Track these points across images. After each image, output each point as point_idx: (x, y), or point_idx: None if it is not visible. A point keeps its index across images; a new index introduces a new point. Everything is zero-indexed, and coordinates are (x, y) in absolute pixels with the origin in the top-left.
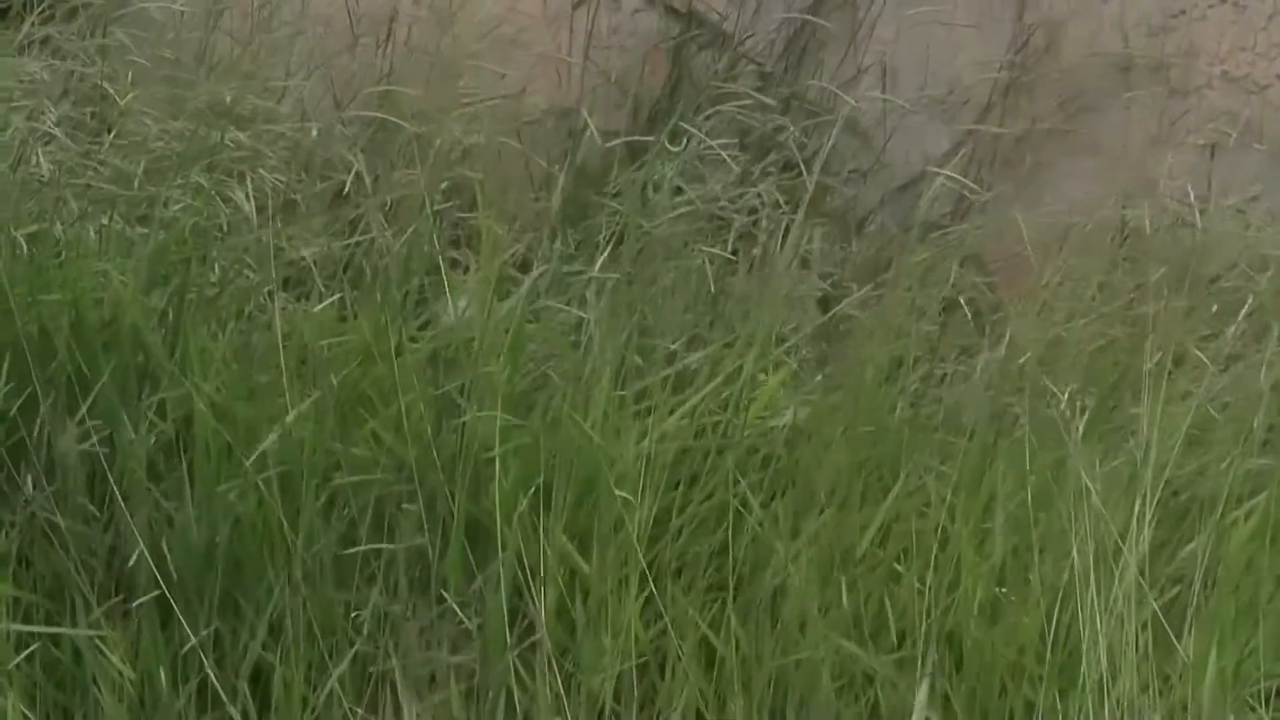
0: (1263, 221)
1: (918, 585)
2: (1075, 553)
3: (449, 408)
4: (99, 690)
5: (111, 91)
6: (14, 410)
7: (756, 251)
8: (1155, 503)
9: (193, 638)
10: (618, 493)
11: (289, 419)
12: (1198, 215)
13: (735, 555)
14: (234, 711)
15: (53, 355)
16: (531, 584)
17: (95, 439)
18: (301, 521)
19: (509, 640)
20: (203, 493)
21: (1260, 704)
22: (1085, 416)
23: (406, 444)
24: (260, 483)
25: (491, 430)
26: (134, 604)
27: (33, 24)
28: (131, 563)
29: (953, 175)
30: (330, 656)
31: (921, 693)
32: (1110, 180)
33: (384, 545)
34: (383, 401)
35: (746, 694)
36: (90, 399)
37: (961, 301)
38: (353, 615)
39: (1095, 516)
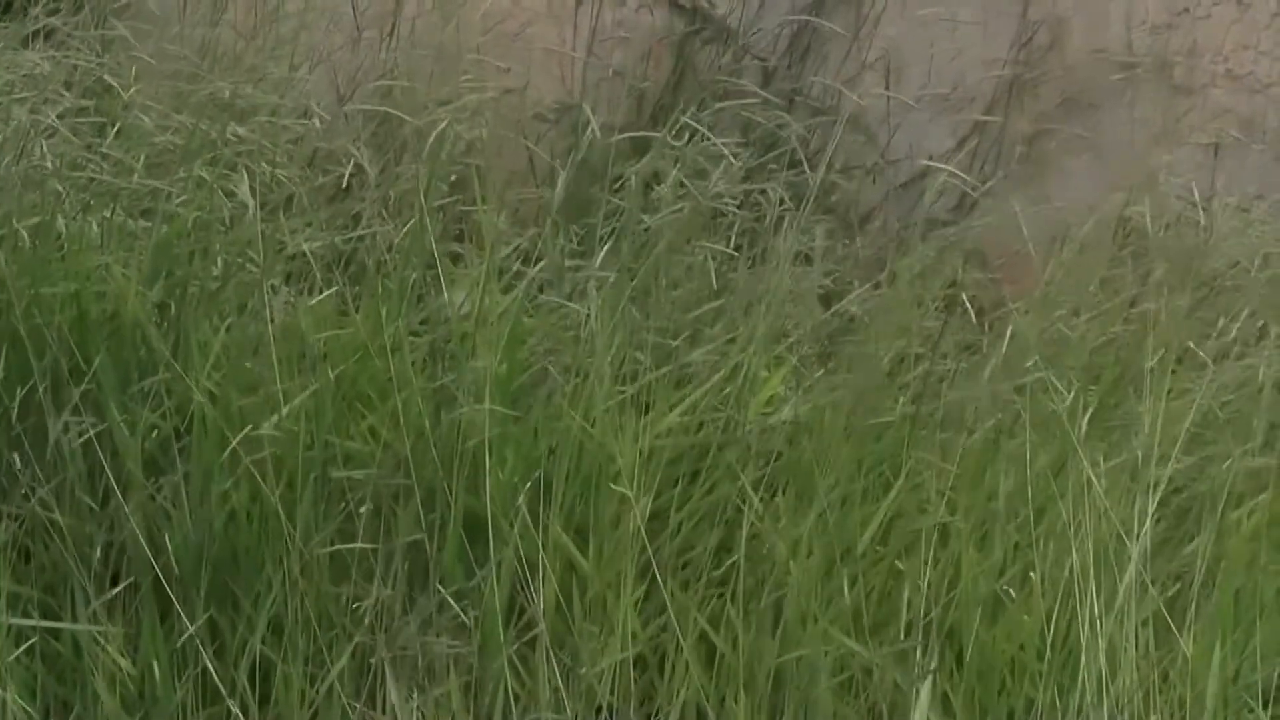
0: (1265, 219)
1: (918, 582)
2: (1076, 550)
3: (447, 402)
4: (98, 683)
5: (115, 84)
6: (13, 403)
7: (759, 248)
8: (1156, 500)
9: (190, 629)
10: (616, 488)
11: (284, 411)
12: (1200, 213)
13: (735, 551)
14: (233, 705)
15: (53, 348)
16: (530, 579)
17: (94, 432)
18: (299, 515)
19: (505, 635)
20: (201, 486)
21: (1259, 703)
22: (1088, 414)
23: (404, 438)
24: (257, 475)
25: (489, 424)
26: (132, 597)
27: (36, 16)
28: (129, 556)
29: (955, 172)
30: (329, 651)
31: (923, 691)
32: (1113, 178)
33: (381, 540)
34: (380, 395)
35: (746, 691)
36: (90, 392)
37: (964, 298)
38: (352, 609)
39: (1097, 514)
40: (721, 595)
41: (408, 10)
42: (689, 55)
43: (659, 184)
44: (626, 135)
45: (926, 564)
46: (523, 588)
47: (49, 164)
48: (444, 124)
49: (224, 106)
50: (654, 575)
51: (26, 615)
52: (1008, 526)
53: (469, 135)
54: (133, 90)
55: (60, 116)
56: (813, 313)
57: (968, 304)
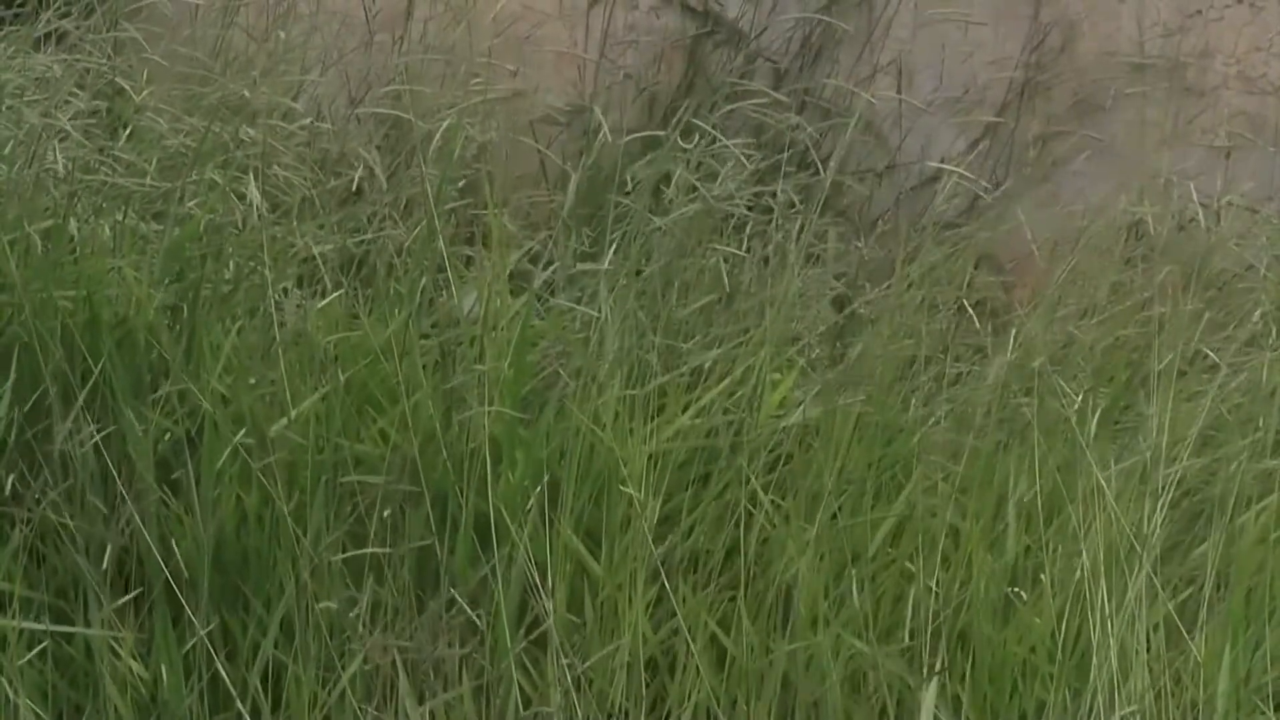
0: (1276, 221)
1: (929, 584)
2: (1086, 553)
3: (458, 405)
4: (110, 687)
5: (127, 87)
6: (26, 407)
7: (770, 250)
8: (1167, 503)
9: (201, 632)
10: (626, 490)
11: (294, 414)
12: (1211, 215)
13: (746, 554)
14: (244, 709)
15: (65, 352)
16: (540, 581)
17: (104, 435)
18: (310, 519)
19: (516, 638)
20: (212, 490)
21: (1270, 705)
22: (1096, 416)
23: (414, 441)
24: (266, 480)
25: (499, 427)
26: (144, 601)
27: (48, 19)
28: (141, 560)
29: (966, 174)
30: (341, 655)
31: (931, 692)
32: (1124, 180)
33: (392, 543)
34: (391, 399)
35: (757, 693)
36: (102, 396)
37: (972, 300)
38: (360, 613)
39: (1107, 516)
40: (732, 598)
41: (419, 13)
42: (701, 58)
43: (670, 186)
44: (637, 136)
45: (937, 566)
46: (533, 591)
47: (61, 167)
48: (451, 125)
49: (236, 109)
50: (664, 578)
51: (38, 619)
52: (1018, 529)
53: (480, 138)
54: (145, 93)
55: (72, 119)
56: (824, 315)
57: (978, 306)
